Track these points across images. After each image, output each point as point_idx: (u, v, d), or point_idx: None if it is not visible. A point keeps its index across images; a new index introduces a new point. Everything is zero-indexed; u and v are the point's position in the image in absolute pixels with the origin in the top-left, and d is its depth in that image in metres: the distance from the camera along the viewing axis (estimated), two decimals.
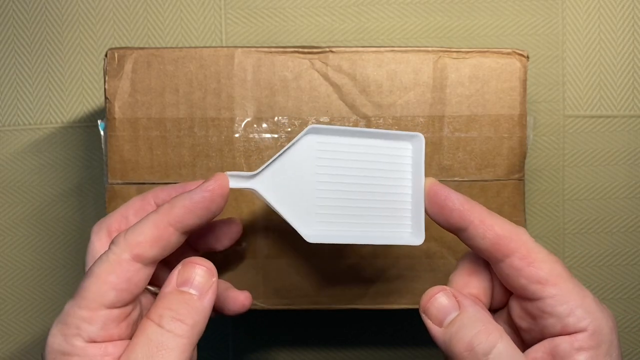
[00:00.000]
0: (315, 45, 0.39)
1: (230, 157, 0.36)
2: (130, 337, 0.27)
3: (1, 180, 0.46)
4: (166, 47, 0.37)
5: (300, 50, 0.36)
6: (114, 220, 0.31)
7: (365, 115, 0.36)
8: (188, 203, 0.27)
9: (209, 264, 0.28)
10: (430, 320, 0.28)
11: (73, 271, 0.46)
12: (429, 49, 0.37)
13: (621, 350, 0.27)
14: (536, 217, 0.45)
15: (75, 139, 0.45)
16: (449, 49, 0.37)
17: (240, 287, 0.35)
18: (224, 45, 0.45)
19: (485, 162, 0.37)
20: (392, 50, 0.37)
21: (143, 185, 0.36)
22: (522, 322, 0.28)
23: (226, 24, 0.45)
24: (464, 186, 0.37)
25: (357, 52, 0.36)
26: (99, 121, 0.37)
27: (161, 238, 0.27)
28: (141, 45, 0.44)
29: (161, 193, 0.32)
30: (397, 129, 0.36)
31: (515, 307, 0.28)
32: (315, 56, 0.36)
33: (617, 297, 0.46)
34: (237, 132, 0.36)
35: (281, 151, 0.29)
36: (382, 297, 0.37)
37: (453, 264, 0.37)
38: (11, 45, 0.45)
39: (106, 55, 0.36)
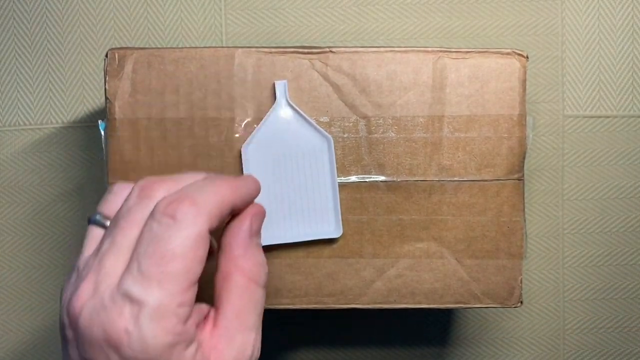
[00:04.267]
0: (315, 45, 0.39)
1: (230, 157, 0.36)
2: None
3: (1, 180, 0.46)
4: (166, 48, 0.37)
5: (300, 50, 0.37)
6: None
7: (365, 115, 0.36)
8: (251, 185, 0.27)
9: (260, 207, 0.28)
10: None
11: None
12: (429, 49, 0.37)
13: None
14: (535, 217, 0.46)
15: (76, 139, 0.45)
16: (448, 49, 0.37)
17: None
18: (224, 45, 0.45)
19: (484, 162, 0.37)
20: (392, 51, 0.37)
21: None
22: None
23: (226, 24, 0.45)
24: (464, 186, 0.37)
25: (357, 52, 0.37)
26: (99, 121, 0.37)
27: (224, 214, 0.26)
28: (141, 46, 0.44)
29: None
30: (397, 129, 0.37)
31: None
32: (315, 56, 0.37)
33: (617, 297, 0.46)
34: (238, 132, 0.36)
35: None
36: (382, 297, 0.37)
37: (453, 264, 0.37)
38: (12, 45, 0.45)
39: (106, 56, 0.36)
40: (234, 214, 0.27)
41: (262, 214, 0.28)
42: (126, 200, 0.26)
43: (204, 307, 0.26)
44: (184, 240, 0.23)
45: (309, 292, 0.37)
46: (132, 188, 0.26)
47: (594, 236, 0.46)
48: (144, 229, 0.24)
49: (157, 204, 0.24)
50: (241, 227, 0.27)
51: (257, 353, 0.26)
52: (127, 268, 0.24)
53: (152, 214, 0.24)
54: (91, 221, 0.27)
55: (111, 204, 0.27)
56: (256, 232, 0.27)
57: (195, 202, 0.24)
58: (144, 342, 0.23)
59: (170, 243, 0.23)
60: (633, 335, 0.47)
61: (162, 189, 0.26)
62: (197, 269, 0.24)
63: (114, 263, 0.24)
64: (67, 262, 0.46)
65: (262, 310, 0.27)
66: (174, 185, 0.26)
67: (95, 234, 0.26)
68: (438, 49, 0.37)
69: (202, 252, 0.24)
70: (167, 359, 0.23)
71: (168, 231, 0.24)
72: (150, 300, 0.23)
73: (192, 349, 0.24)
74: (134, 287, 0.23)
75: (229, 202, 0.26)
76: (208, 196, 0.25)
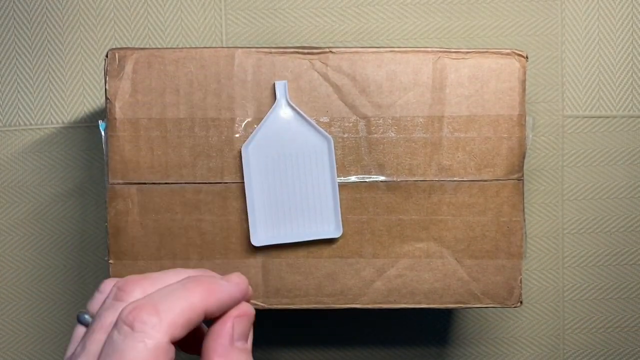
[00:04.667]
0: (316, 45, 0.39)
1: (230, 157, 0.36)
2: None
3: (2, 180, 0.46)
4: (167, 48, 0.37)
5: (301, 50, 0.37)
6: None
7: (365, 115, 0.37)
8: (232, 289, 0.26)
9: (248, 309, 0.26)
10: None
11: (73, 271, 0.46)
12: (429, 49, 0.37)
13: None
14: (535, 217, 0.46)
15: (76, 139, 0.45)
16: (448, 50, 0.37)
17: None
18: (224, 45, 0.45)
19: (484, 162, 0.37)
20: (391, 51, 0.37)
21: (144, 185, 0.36)
22: None
23: (226, 25, 0.45)
24: (463, 186, 0.37)
25: (357, 52, 0.37)
26: (99, 121, 0.37)
27: (192, 321, 0.24)
28: (142, 46, 0.44)
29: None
30: (396, 129, 0.37)
31: None
32: (315, 57, 0.37)
33: (616, 296, 0.46)
34: (238, 133, 0.36)
35: None
36: (382, 297, 0.37)
37: (453, 264, 0.37)
38: (12, 45, 0.45)
39: (107, 56, 0.36)
40: (212, 318, 0.26)
41: (247, 316, 0.26)
42: (104, 301, 0.25)
43: None
44: (139, 353, 0.22)
45: (309, 292, 0.37)
46: (112, 287, 0.25)
47: (594, 236, 0.46)
48: (108, 337, 0.23)
49: (122, 309, 0.23)
50: (220, 331, 0.25)
51: None
52: None
53: (116, 321, 0.23)
54: (78, 320, 0.26)
55: (97, 302, 0.26)
56: (240, 336, 0.26)
57: (156, 310, 0.23)
58: None
59: (125, 356, 0.22)
60: (633, 335, 0.47)
61: (138, 290, 0.25)
62: None
63: None
64: (67, 262, 0.46)
65: None
66: (151, 286, 0.25)
67: (78, 333, 0.26)
68: (438, 49, 0.37)
69: None
70: None
71: (125, 342, 0.22)
72: None
73: None
74: None
75: (198, 308, 0.24)
76: (174, 302, 0.23)
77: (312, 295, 0.37)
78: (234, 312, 0.26)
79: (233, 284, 0.26)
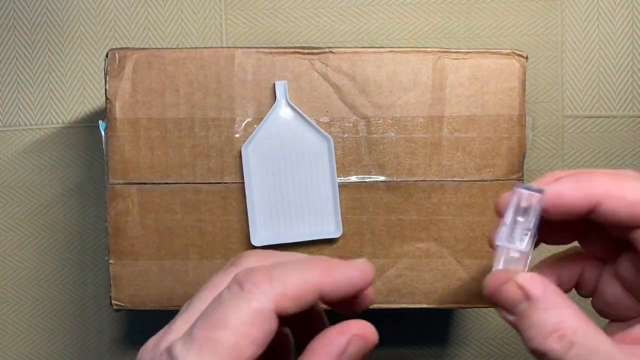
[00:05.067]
0: (316, 45, 0.39)
1: (230, 157, 0.36)
2: None
3: (2, 180, 0.46)
4: (167, 48, 0.37)
5: (300, 50, 0.37)
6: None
7: (365, 115, 0.37)
8: (353, 273, 0.24)
9: (372, 333, 0.25)
10: (502, 307, 0.26)
11: (73, 271, 0.46)
12: (429, 49, 0.37)
13: None
14: None
15: (76, 139, 0.45)
16: (448, 50, 0.37)
17: None
18: (224, 45, 0.45)
19: (484, 163, 0.37)
20: (391, 51, 0.37)
21: (144, 185, 0.36)
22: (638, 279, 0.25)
23: (226, 25, 0.45)
24: (463, 186, 0.37)
25: (357, 52, 0.37)
26: (99, 121, 0.37)
27: (303, 297, 0.23)
28: (142, 46, 0.44)
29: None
30: (396, 130, 0.37)
31: (626, 265, 0.26)
32: (315, 57, 0.37)
33: None
34: (238, 133, 0.36)
35: None
36: (382, 297, 0.37)
37: (453, 264, 0.37)
38: (12, 45, 0.45)
39: (107, 56, 0.36)
40: (329, 302, 0.24)
41: (366, 341, 0.24)
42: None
43: None
44: (240, 312, 0.21)
45: None
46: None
47: None
48: (217, 295, 0.23)
49: (237, 273, 0.23)
50: (334, 341, 0.23)
51: None
52: (188, 329, 0.22)
53: (229, 283, 0.23)
54: None
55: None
56: (350, 358, 0.23)
57: (270, 277, 0.22)
58: None
59: (226, 311, 0.21)
60: None
61: (254, 260, 0.25)
62: (247, 348, 0.21)
63: (181, 323, 0.23)
64: (67, 262, 0.46)
65: None
66: (268, 259, 0.25)
67: None
68: (438, 49, 0.37)
69: (258, 332, 0.21)
70: None
71: (231, 299, 0.22)
72: None
73: None
74: (177, 347, 0.21)
75: (313, 284, 0.23)
76: (288, 274, 0.23)
77: None
78: (355, 327, 0.24)
79: (354, 268, 0.24)
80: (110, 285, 0.37)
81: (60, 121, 0.45)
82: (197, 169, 0.36)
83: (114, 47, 0.36)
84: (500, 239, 0.26)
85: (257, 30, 0.45)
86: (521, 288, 0.24)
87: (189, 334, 0.22)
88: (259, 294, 0.22)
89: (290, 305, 0.22)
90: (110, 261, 0.37)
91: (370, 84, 0.37)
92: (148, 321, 0.46)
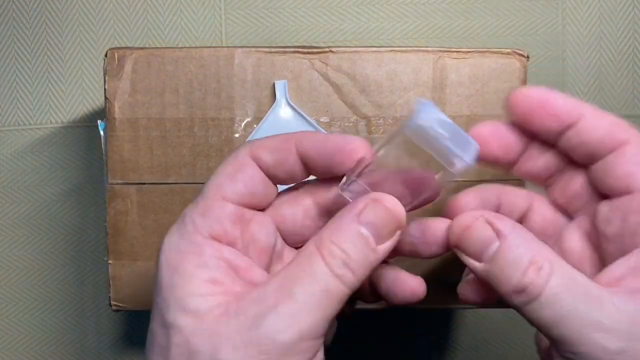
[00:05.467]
0: (315, 45, 0.39)
1: None
2: (246, 254, 0.24)
3: (1, 180, 0.46)
4: (166, 47, 0.37)
5: (300, 50, 0.36)
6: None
7: (365, 115, 0.36)
8: (332, 138, 0.24)
9: (400, 209, 0.23)
10: (468, 255, 0.23)
11: (72, 271, 0.46)
12: (429, 49, 0.37)
13: None
14: None
15: (75, 139, 0.45)
16: (448, 49, 0.37)
17: None
18: (224, 45, 0.45)
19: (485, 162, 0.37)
20: (392, 50, 0.37)
21: (143, 185, 0.36)
22: (610, 226, 0.23)
23: (226, 24, 0.45)
24: (464, 186, 0.37)
25: (357, 52, 0.37)
26: (98, 121, 0.37)
27: (280, 151, 0.24)
28: (141, 45, 0.44)
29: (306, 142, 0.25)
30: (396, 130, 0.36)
31: (603, 209, 0.24)
32: (315, 56, 0.36)
33: None
34: (237, 132, 0.36)
35: None
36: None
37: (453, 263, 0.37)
38: (11, 45, 0.45)
39: (106, 55, 0.36)
40: (313, 167, 0.24)
41: (387, 208, 0.22)
42: None
43: (259, 275, 0.24)
44: (225, 166, 0.24)
45: None
46: None
47: None
48: None
49: None
50: (346, 208, 0.23)
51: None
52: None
53: None
54: None
55: None
56: (370, 225, 0.22)
57: (255, 140, 0.25)
58: (162, 244, 0.24)
59: (217, 170, 0.25)
60: None
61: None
62: (224, 184, 0.24)
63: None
64: (67, 262, 0.46)
65: (330, 315, 0.21)
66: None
67: None
68: (438, 48, 0.37)
69: (232, 169, 0.24)
70: None
71: (226, 158, 0.25)
72: (184, 211, 0.24)
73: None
74: (188, 208, 0.25)
75: (289, 140, 0.24)
76: (267, 138, 0.25)
77: None
78: (372, 195, 0.23)
79: (340, 136, 0.24)
80: (110, 285, 0.37)
81: (59, 121, 0.45)
82: (196, 169, 0.36)
83: (113, 46, 0.36)
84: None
85: (257, 30, 0.45)
86: (491, 224, 0.23)
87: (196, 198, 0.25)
88: (238, 149, 0.24)
89: (265, 154, 0.24)
90: (110, 261, 0.36)
91: (370, 84, 0.36)
92: (147, 322, 0.46)
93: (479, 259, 0.23)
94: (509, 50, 0.37)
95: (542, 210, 0.27)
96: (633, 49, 0.45)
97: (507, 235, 0.22)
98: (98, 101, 0.45)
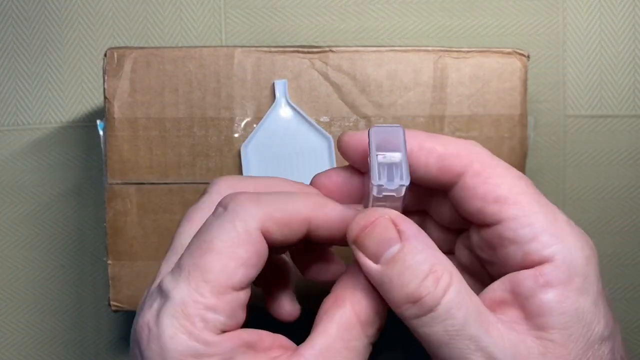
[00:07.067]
0: (315, 44, 0.39)
1: (230, 157, 0.36)
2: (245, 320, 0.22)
3: (1, 180, 0.46)
4: (166, 47, 0.37)
5: (300, 50, 0.36)
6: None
7: (366, 115, 0.36)
8: (342, 214, 0.22)
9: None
10: (365, 255, 0.22)
11: (71, 271, 0.46)
12: (430, 48, 0.37)
13: (605, 288, 0.21)
14: None
15: (75, 139, 0.45)
16: (449, 49, 0.36)
17: None
18: (224, 44, 0.45)
19: None
20: (392, 50, 0.36)
21: (142, 185, 0.36)
22: (483, 253, 0.23)
23: (226, 24, 0.45)
24: None
25: (357, 51, 0.36)
26: (98, 121, 0.37)
27: (291, 225, 0.22)
28: (140, 45, 0.44)
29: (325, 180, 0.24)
30: None
31: (474, 236, 0.23)
32: (315, 56, 0.36)
33: (619, 297, 0.46)
34: (237, 132, 0.36)
35: None
36: None
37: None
38: (10, 44, 0.45)
39: (105, 55, 0.36)
40: (317, 239, 0.23)
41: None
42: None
43: (283, 341, 0.23)
44: (225, 233, 0.20)
45: (309, 293, 0.37)
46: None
47: (596, 236, 0.45)
48: (206, 219, 0.22)
49: (223, 197, 0.22)
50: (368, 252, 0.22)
51: None
52: (176, 262, 0.21)
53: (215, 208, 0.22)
54: None
55: None
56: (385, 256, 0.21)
57: (257, 200, 0.21)
58: (161, 342, 0.19)
59: (211, 235, 0.20)
60: (635, 337, 0.46)
61: (227, 184, 0.24)
62: (236, 271, 0.20)
63: (167, 265, 0.22)
64: (67, 262, 0.46)
65: None
66: (243, 183, 0.24)
67: None
68: (439, 48, 0.37)
69: (245, 253, 0.20)
70: None
71: (216, 222, 0.21)
72: (175, 294, 0.20)
73: None
74: (167, 279, 0.20)
75: (302, 213, 0.22)
76: (278, 199, 0.21)
77: (313, 296, 0.37)
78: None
79: (350, 209, 0.22)
80: (109, 285, 0.36)
81: (58, 120, 0.45)
82: (196, 168, 0.36)
83: (113, 46, 0.36)
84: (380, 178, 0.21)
85: (257, 29, 0.45)
86: (395, 225, 0.21)
87: (177, 266, 0.21)
88: (243, 213, 0.20)
89: (276, 229, 0.21)
90: (109, 262, 0.36)
91: (370, 83, 0.36)
92: None
93: (376, 260, 0.21)
94: (509, 50, 0.37)
95: (430, 231, 0.26)
96: (633, 48, 0.45)
97: (410, 239, 0.21)
98: (97, 101, 0.45)
